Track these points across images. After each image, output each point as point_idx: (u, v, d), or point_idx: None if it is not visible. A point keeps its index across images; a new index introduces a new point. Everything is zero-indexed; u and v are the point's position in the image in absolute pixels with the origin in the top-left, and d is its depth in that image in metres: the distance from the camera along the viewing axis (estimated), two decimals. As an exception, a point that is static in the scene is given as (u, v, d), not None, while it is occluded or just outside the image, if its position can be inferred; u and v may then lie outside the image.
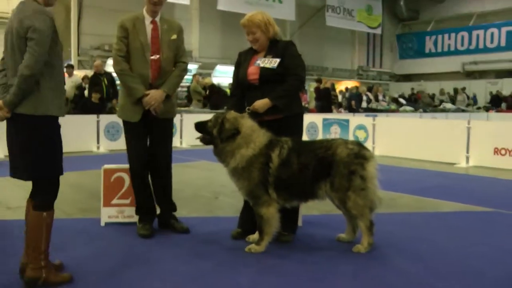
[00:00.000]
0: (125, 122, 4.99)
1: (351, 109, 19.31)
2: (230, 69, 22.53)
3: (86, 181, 7.30)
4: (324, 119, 14.04)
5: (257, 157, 4.36)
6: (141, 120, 4.86)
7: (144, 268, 4.05)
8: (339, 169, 4.33)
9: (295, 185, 4.40)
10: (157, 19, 4.94)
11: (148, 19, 4.91)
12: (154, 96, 4.76)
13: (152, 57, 4.84)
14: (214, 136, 4.43)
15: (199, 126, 4.58)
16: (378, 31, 31.53)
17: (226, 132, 4.36)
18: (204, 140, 4.57)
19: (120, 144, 12.57)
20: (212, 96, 16.76)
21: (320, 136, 13.82)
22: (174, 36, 4.96)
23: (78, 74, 16.59)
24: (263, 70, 4.69)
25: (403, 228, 5.35)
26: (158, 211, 5.19)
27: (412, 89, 29.61)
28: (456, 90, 26.98)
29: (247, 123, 4.46)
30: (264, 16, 4.81)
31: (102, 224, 5.34)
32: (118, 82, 15.45)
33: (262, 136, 4.44)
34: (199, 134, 4.62)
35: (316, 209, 5.68)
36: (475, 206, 6.50)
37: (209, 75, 21.68)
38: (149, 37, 4.87)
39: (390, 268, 4.08)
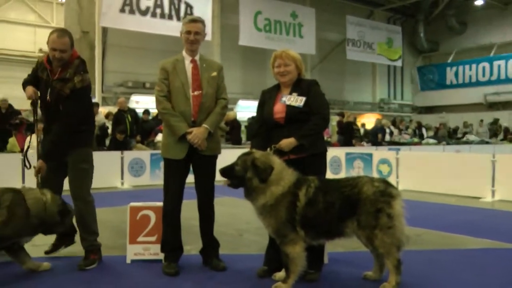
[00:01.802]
0: (167, 160, 5.08)
1: (374, 143, 19.25)
2: (252, 103, 22.95)
3: (111, 217, 7.35)
4: (347, 153, 14.02)
5: (285, 195, 4.37)
6: (185, 158, 4.96)
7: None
8: (366, 207, 4.30)
9: (321, 224, 4.39)
10: (197, 58, 5.14)
11: (187, 59, 5.11)
12: (197, 134, 4.88)
13: (194, 94, 4.99)
14: (247, 179, 4.41)
15: (226, 173, 4.52)
16: (399, 63, 31.57)
17: (264, 171, 4.36)
18: (233, 185, 4.53)
19: (144, 180, 12.81)
20: (233, 131, 16.84)
21: (343, 171, 13.79)
22: (214, 74, 5.12)
23: (102, 111, 16.84)
24: (290, 109, 4.75)
25: (431, 266, 5.26)
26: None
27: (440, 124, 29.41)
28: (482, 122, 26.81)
29: (276, 160, 4.49)
30: (297, 54, 4.96)
31: (128, 261, 5.36)
32: (141, 117, 15.92)
33: (291, 175, 4.45)
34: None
35: (341, 246, 5.63)
36: (503, 243, 6.38)
37: (231, 109, 21.84)
38: (190, 75, 5.04)
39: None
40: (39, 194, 4.74)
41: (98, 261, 5.23)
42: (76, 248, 5.41)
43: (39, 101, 5.19)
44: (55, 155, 5.04)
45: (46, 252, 5.35)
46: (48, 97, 5.03)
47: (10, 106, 14.19)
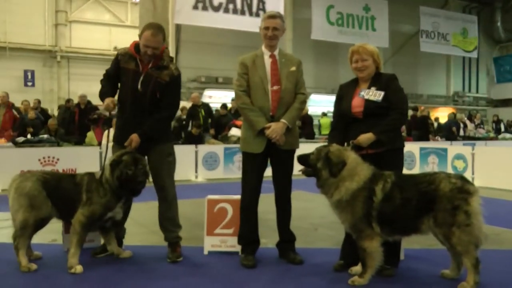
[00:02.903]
0: (245, 154, 5.19)
1: (448, 137, 18.77)
2: (324, 98, 22.82)
3: (188, 209, 7.55)
4: (422, 148, 13.74)
5: (361, 190, 4.40)
6: (263, 152, 5.06)
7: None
8: (443, 204, 4.26)
9: (398, 220, 4.39)
10: (276, 53, 5.21)
11: (267, 54, 5.19)
12: (275, 128, 4.96)
13: (273, 88, 5.07)
14: (318, 169, 4.52)
15: (302, 159, 4.69)
16: (474, 54, 30.50)
17: (336, 165, 4.44)
18: (307, 173, 4.67)
19: (218, 173, 13.07)
20: (305, 126, 16.86)
21: (417, 166, 13.55)
22: (293, 68, 5.17)
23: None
24: (368, 103, 4.75)
25: (511, 267, 5.15)
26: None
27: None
28: None
29: (351, 156, 4.53)
30: (375, 47, 4.96)
31: (205, 252, 5.52)
32: (214, 112, 16.22)
33: (366, 170, 4.48)
34: (301, 166, 4.73)
35: (417, 242, 5.58)
36: None
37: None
38: (268, 69, 5.11)
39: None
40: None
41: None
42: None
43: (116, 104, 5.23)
44: (155, 136, 5.11)
45: (95, 253, 5.38)
46: (139, 86, 5.06)
47: (89, 102, 14.81)
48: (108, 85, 5.25)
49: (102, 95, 5.21)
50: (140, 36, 5.11)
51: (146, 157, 5.19)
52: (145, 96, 5.06)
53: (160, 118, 5.14)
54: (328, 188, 4.52)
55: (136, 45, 5.17)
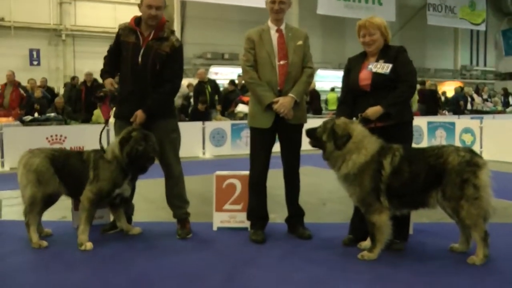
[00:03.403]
0: (253, 130, 5.19)
1: (456, 111, 18.65)
2: (331, 73, 22.71)
3: (196, 186, 7.59)
4: (429, 123, 13.66)
5: (369, 164, 4.39)
6: (271, 127, 5.05)
7: (260, 273, 4.21)
8: (451, 178, 4.24)
9: (406, 193, 4.39)
10: (282, 27, 5.16)
11: (273, 29, 5.15)
12: (283, 103, 4.93)
13: (280, 63, 5.04)
14: (323, 141, 4.52)
15: (309, 133, 4.69)
16: (482, 27, 30.21)
17: (341, 138, 4.43)
18: (313, 145, 4.67)
19: (225, 150, 13.09)
20: (313, 102, 16.80)
21: (425, 140, 13.50)
22: (300, 42, 5.13)
23: (183, 82, 17.21)
24: (376, 76, 4.71)
25: (519, 240, 5.14)
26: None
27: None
28: None
29: (358, 128, 4.51)
30: (382, 20, 4.89)
31: (215, 228, 5.56)
32: (221, 89, 16.18)
33: (374, 143, 4.47)
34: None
35: (426, 216, 5.59)
36: None
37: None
38: (275, 44, 5.08)
39: (509, 285, 3.92)
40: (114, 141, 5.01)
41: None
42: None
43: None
44: (160, 111, 5.09)
45: (105, 230, 5.43)
46: (139, 59, 5.03)
47: (95, 80, 14.76)
48: (109, 64, 5.29)
49: (103, 75, 5.28)
50: (141, 2, 5.06)
51: None
52: (145, 69, 5.04)
53: (163, 91, 5.11)
54: (335, 161, 4.51)
55: (136, 19, 5.17)
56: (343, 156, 4.46)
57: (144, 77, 5.05)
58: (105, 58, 5.33)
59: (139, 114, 5.00)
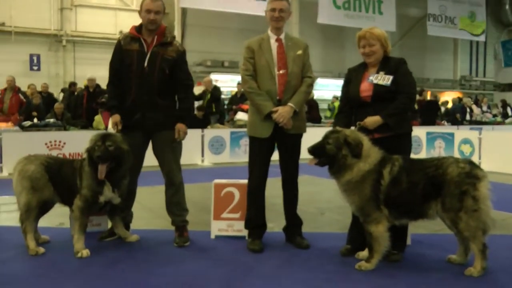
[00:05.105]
0: (252, 138, 5.18)
1: (454, 122, 18.66)
2: (331, 82, 22.68)
3: (194, 194, 7.56)
4: (428, 133, 13.70)
5: (371, 172, 4.40)
6: (270, 136, 5.05)
7: (257, 282, 4.19)
8: (450, 189, 4.24)
9: (404, 203, 4.39)
10: (282, 36, 5.17)
11: (273, 38, 5.15)
12: (282, 112, 4.93)
13: (279, 72, 5.04)
14: (342, 156, 4.43)
15: (317, 151, 4.56)
16: (482, 38, 30.14)
17: (357, 147, 4.41)
18: (322, 163, 4.57)
19: (224, 157, 13.09)
20: (311, 110, 16.79)
21: (424, 151, 13.52)
22: (300, 52, 5.13)
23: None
24: (377, 87, 4.72)
25: (518, 252, 5.13)
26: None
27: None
28: None
29: (364, 137, 4.52)
30: (383, 31, 4.89)
31: (212, 237, 5.54)
32: (223, 96, 16.15)
33: (377, 152, 4.48)
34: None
35: (424, 227, 5.58)
36: None
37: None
38: (275, 53, 5.08)
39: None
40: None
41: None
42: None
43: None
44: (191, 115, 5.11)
45: (102, 237, 5.41)
46: (145, 65, 5.05)
47: (97, 85, 14.71)
48: (114, 91, 5.27)
49: (111, 109, 5.28)
50: (140, 9, 5.12)
51: (151, 142, 5.26)
52: (153, 74, 5.06)
53: (187, 96, 5.30)
54: (344, 170, 4.46)
55: (136, 27, 5.20)
56: (351, 164, 4.44)
57: (151, 83, 5.08)
58: (108, 86, 5.34)
59: (182, 128, 5.16)
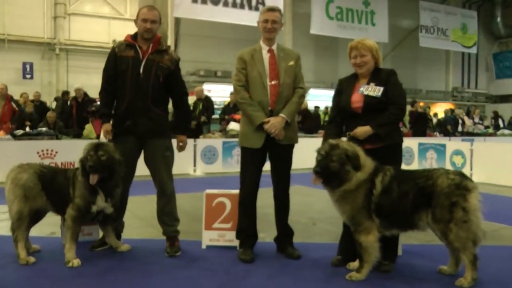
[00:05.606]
0: (244, 149, 5.19)
1: (446, 133, 18.75)
2: (324, 92, 22.79)
3: (185, 203, 7.57)
4: (420, 144, 13.75)
5: (365, 182, 4.42)
6: (262, 147, 5.06)
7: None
8: (440, 200, 4.25)
9: (395, 213, 4.39)
10: (274, 47, 5.20)
11: (265, 49, 5.18)
12: (274, 123, 4.95)
13: (271, 83, 5.07)
14: (346, 171, 4.39)
15: (325, 173, 4.45)
16: (474, 50, 30.40)
17: (356, 159, 4.42)
18: (327, 183, 4.49)
19: (216, 167, 13.06)
20: (305, 120, 16.84)
21: (416, 162, 13.58)
22: (292, 63, 5.16)
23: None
24: (368, 98, 4.74)
25: (509, 263, 5.17)
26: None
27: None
28: None
29: (358, 148, 4.53)
30: (374, 42, 4.93)
31: (203, 246, 5.53)
32: (216, 106, 16.17)
33: (371, 162, 4.50)
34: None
35: (415, 238, 5.59)
36: None
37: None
38: (267, 64, 5.11)
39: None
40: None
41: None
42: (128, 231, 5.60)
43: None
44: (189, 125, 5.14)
45: (93, 247, 5.37)
46: (141, 72, 5.06)
47: (85, 94, 14.72)
48: (107, 98, 5.28)
49: (102, 117, 5.29)
50: (137, 17, 5.17)
51: (143, 152, 5.24)
52: (148, 81, 5.08)
53: (185, 104, 5.47)
54: (343, 183, 4.42)
55: (132, 36, 5.23)
56: (351, 177, 4.42)
57: (146, 90, 5.09)
58: (100, 93, 5.33)
59: (184, 141, 5.40)
